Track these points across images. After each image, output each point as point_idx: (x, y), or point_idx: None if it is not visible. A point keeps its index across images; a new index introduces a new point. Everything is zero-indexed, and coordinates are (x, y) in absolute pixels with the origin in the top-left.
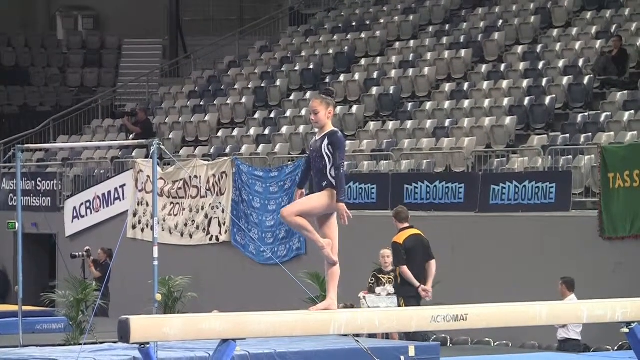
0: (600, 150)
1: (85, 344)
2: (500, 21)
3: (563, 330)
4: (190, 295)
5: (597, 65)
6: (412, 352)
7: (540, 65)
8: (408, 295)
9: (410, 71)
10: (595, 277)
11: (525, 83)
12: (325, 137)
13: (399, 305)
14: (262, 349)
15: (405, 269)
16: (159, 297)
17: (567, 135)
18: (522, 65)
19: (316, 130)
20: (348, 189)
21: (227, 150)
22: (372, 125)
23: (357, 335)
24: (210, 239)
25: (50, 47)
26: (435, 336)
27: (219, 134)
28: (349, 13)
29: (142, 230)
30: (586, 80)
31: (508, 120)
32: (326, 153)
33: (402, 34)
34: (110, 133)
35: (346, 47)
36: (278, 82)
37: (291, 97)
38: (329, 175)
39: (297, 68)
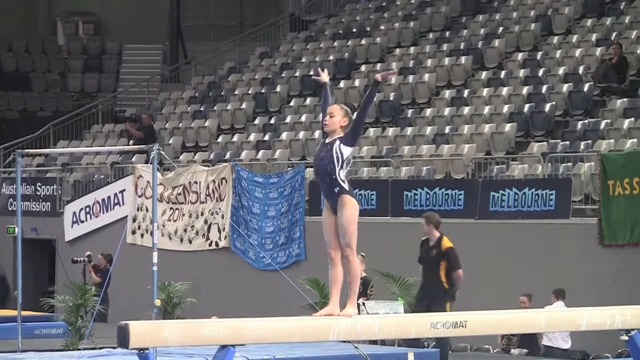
0: (600, 158)
1: (84, 349)
2: (501, 28)
3: (547, 338)
4: (190, 300)
5: (597, 73)
6: (411, 359)
7: (541, 72)
8: (453, 300)
9: (411, 78)
10: (595, 284)
11: (525, 90)
12: (336, 140)
13: (445, 310)
14: (261, 355)
15: (461, 272)
16: (158, 302)
17: (567, 142)
18: (522, 72)
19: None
20: None
21: (227, 156)
22: (372, 131)
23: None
24: (210, 245)
25: (51, 52)
26: (434, 342)
27: (219, 139)
28: (349, 19)
29: (142, 235)
30: (586, 87)
31: (508, 127)
32: (337, 154)
33: (403, 41)
34: (110, 138)
35: (346, 54)
36: (278, 88)
37: (291, 103)
38: (339, 180)
39: (297, 74)
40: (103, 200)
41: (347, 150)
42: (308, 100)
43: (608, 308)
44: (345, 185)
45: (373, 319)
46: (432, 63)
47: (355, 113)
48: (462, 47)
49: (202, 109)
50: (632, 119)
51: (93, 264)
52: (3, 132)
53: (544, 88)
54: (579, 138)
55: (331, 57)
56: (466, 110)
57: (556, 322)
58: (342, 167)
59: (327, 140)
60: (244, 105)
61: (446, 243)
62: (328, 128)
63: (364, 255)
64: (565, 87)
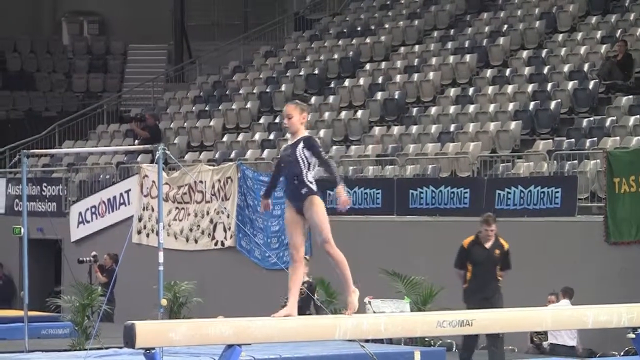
0: (605, 155)
1: (90, 349)
2: (505, 26)
3: (553, 335)
4: (196, 300)
5: (602, 70)
6: (417, 358)
7: (546, 70)
8: None
9: (415, 76)
10: (601, 282)
11: (530, 88)
12: (300, 142)
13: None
14: (267, 354)
15: None
16: (164, 302)
17: (573, 140)
18: (527, 70)
19: (288, 136)
20: (353, 194)
21: (232, 155)
22: (377, 130)
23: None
24: (216, 244)
25: (56, 53)
26: (441, 341)
27: (224, 139)
28: (353, 18)
29: (148, 235)
30: (591, 85)
31: (513, 125)
32: (302, 157)
33: (407, 39)
34: (115, 138)
35: (351, 52)
36: (283, 87)
37: None
38: (306, 181)
39: (302, 73)
40: (109, 200)
41: (310, 154)
42: (313, 99)
43: (614, 306)
44: (313, 187)
45: (379, 318)
46: (436, 61)
47: (320, 159)
48: (466, 45)
49: (207, 108)
50: (638, 116)
51: (99, 264)
52: (8, 133)
53: (549, 86)
54: (584, 135)
55: (336, 56)
56: (471, 108)
57: (562, 320)
58: (309, 169)
59: (289, 142)
60: (248, 105)
61: (505, 243)
62: (290, 130)
63: (308, 259)
64: (570, 85)
